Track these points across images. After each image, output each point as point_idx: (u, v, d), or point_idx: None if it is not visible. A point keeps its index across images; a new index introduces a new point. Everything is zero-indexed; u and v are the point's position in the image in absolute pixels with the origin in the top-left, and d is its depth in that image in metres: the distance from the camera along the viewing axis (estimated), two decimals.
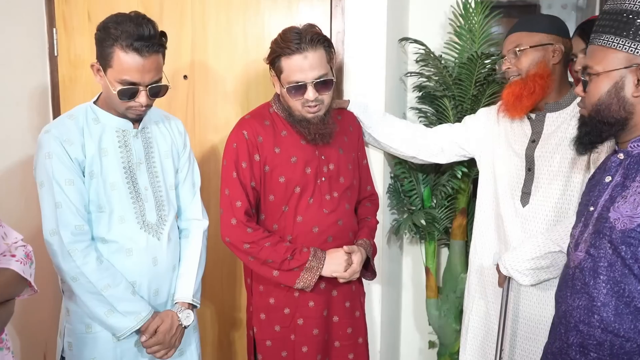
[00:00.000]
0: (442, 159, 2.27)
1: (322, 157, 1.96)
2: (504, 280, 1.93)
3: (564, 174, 1.88)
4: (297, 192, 1.92)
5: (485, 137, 2.13)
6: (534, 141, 1.97)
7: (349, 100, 2.21)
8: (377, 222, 2.17)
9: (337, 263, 1.90)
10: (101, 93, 1.77)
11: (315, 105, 1.85)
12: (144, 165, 1.78)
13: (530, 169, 1.96)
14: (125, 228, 1.72)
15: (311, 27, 1.84)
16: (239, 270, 2.54)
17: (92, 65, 1.69)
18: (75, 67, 2.47)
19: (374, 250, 2.09)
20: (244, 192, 1.88)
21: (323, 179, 1.95)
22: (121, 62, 1.61)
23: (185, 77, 2.42)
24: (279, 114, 1.95)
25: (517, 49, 1.92)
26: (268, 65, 1.91)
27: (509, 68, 1.96)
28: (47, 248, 1.67)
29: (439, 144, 2.24)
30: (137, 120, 1.76)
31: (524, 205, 1.96)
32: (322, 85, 1.84)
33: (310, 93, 1.82)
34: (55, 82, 2.50)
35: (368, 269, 2.07)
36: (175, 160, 1.88)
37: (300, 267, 1.87)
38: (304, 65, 1.79)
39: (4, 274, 1.36)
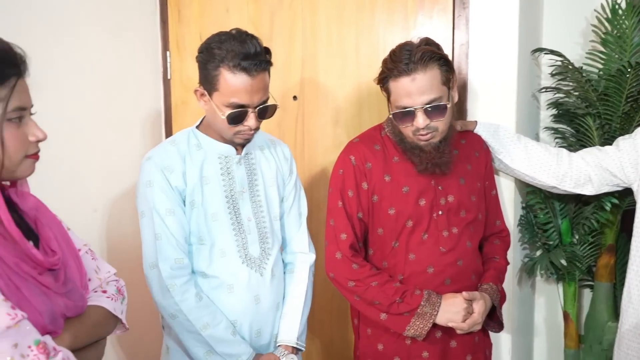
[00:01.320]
0: (590, 190, 1.92)
1: (439, 187, 1.72)
2: None
3: None
4: (409, 227, 1.69)
5: None
6: None
7: (476, 122, 1.94)
8: (508, 264, 1.87)
9: (454, 311, 1.64)
10: (203, 118, 1.67)
11: (427, 133, 1.62)
12: (247, 194, 1.65)
13: None
14: (227, 262, 1.60)
15: (425, 42, 1.61)
16: (347, 305, 2.35)
17: (195, 91, 1.59)
18: (187, 90, 2.44)
19: (502, 297, 1.79)
20: (349, 223, 1.70)
21: (440, 212, 1.71)
22: (229, 84, 1.49)
23: (294, 97, 2.30)
24: (391, 138, 1.74)
25: None
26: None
27: None
28: (147, 282, 1.58)
29: (586, 172, 1.89)
30: (241, 146, 1.64)
31: None
32: (434, 110, 1.59)
33: (420, 120, 1.59)
34: (168, 106, 2.49)
35: (494, 319, 1.78)
36: (280, 188, 1.74)
37: (411, 312, 1.64)
38: (411, 89, 1.57)
39: (95, 313, 1.27)
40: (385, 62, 1.65)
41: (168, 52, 2.44)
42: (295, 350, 1.69)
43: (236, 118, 1.52)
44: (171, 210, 1.55)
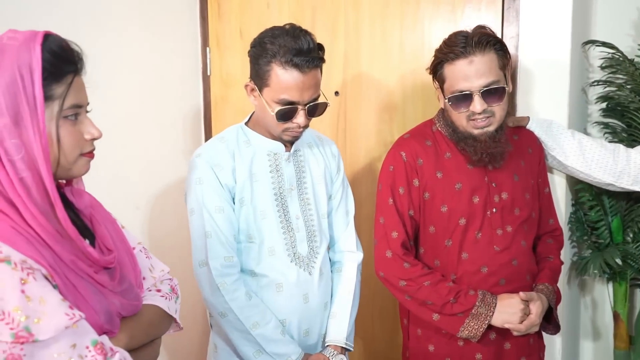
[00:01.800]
0: None
1: (493, 184, 1.67)
2: None
3: None
4: (462, 225, 1.65)
5: None
6: None
7: (528, 118, 1.88)
8: (562, 263, 1.82)
9: (511, 312, 1.59)
10: (252, 114, 1.65)
11: (484, 119, 1.57)
12: (295, 192, 1.62)
13: None
14: (276, 261, 1.58)
15: (481, 28, 1.58)
16: (392, 305, 2.31)
17: (246, 85, 1.57)
18: (227, 87, 2.43)
19: (557, 297, 1.74)
20: (400, 221, 1.66)
21: (494, 210, 1.66)
22: (280, 80, 1.47)
23: (336, 93, 2.27)
24: (443, 133, 1.70)
25: None
26: (431, 77, 1.67)
27: None
28: (196, 280, 1.56)
29: None
30: (290, 143, 1.61)
31: None
32: (491, 94, 1.55)
33: (477, 104, 1.55)
34: (208, 102, 2.47)
35: (550, 321, 1.72)
36: (328, 186, 1.71)
37: (465, 313, 1.59)
38: (469, 72, 1.54)
39: (150, 312, 1.26)
40: (439, 49, 1.62)
41: (208, 49, 2.43)
42: (344, 351, 1.66)
43: (285, 115, 1.50)
44: (221, 208, 1.53)
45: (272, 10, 2.30)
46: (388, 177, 1.69)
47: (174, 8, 2.31)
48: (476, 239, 1.65)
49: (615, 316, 2.20)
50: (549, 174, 2.03)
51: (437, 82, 1.65)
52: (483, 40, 1.53)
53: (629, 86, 2.12)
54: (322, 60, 1.52)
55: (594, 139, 1.91)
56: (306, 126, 1.55)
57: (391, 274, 1.65)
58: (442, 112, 1.71)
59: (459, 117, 1.60)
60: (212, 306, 1.55)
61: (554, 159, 1.89)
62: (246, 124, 1.65)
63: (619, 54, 2.07)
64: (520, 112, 2.02)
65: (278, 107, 1.49)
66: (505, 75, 1.60)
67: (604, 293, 2.35)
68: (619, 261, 1.97)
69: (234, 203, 1.56)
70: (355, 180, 2.29)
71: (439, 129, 1.70)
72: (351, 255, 1.74)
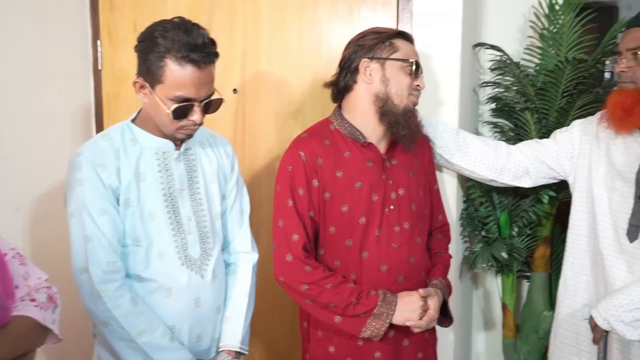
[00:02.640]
0: (527, 182, 1.95)
1: (390, 181, 1.69)
2: (601, 337, 1.59)
3: None
4: (363, 224, 1.65)
5: (581, 155, 1.81)
6: None
7: None
8: (451, 257, 1.88)
9: (411, 309, 1.61)
10: (140, 111, 1.57)
11: (418, 96, 1.71)
12: (186, 192, 1.57)
13: None
14: (165, 264, 1.51)
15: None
16: (292, 307, 2.30)
17: (134, 82, 1.48)
18: (120, 82, 2.31)
19: (449, 290, 1.80)
20: (301, 223, 1.62)
21: (392, 207, 1.68)
22: (175, 77, 1.40)
23: (235, 90, 2.22)
24: (341, 132, 1.69)
25: (639, 51, 1.58)
26: (351, 58, 1.67)
27: (623, 71, 1.63)
28: (77, 287, 1.47)
29: (524, 165, 1.93)
30: (181, 141, 1.55)
31: (631, 240, 1.64)
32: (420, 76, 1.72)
33: (422, 82, 1.69)
34: (99, 98, 2.35)
35: (444, 315, 1.77)
36: (222, 185, 1.66)
37: (367, 313, 1.60)
38: (416, 51, 1.71)
39: (19, 324, 1.17)
40: (377, 31, 1.68)
41: (99, 42, 2.30)
42: (238, 355, 1.62)
43: (182, 112, 1.44)
44: (103, 210, 1.45)
45: (167, 3, 2.22)
46: (287, 178, 1.64)
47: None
48: (376, 237, 1.66)
49: (504, 307, 2.31)
50: (442, 172, 2.10)
51: (376, 55, 1.64)
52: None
53: (515, 88, 2.23)
54: (217, 55, 1.48)
55: (479, 137, 2.00)
56: (201, 123, 1.50)
57: (292, 278, 1.61)
58: (339, 112, 1.71)
59: (406, 87, 1.65)
60: (93, 315, 1.46)
61: (441, 156, 1.96)
62: (133, 121, 1.57)
63: (505, 56, 2.18)
64: None
65: (174, 105, 1.42)
66: None
67: (494, 285, 2.47)
68: (504, 254, 2.07)
69: (118, 205, 1.48)
70: (254, 180, 2.26)
71: (337, 127, 1.70)
72: (246, 257, 1.70)
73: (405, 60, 1.64)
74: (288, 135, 2.19)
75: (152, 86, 1.44)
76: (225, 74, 2.21)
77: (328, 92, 1.75)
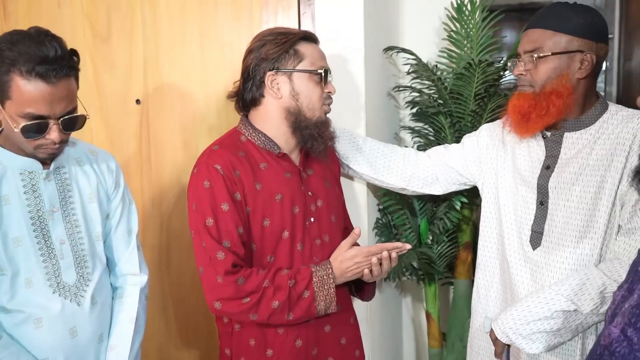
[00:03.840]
0: (438, 190, 1.89)
1: (309, 192, 1.61)
2: (502, 350, 1.53)
3: (586, 211, 1.50)
4: (286, 238, 1.56)
5: (488, 159, 1.76)
6: (548, 167, 1.60)
7: None
8: None
9: (348, 257, 1.54)
10: (2, 129, 1.46)
11: (330, 104, 1.64)
12: (59, 214, 1.45)
13: (542, 202, 1.59)
14: (33, 293, 1.39)
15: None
16: (207, 329, 2.20)
17: None
18: None
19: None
20: (226, 243, 1.50)
21: (312, 219, 1.60)
22: (22, 92, 1.28)
23: (137, 101, 2.11)
24: (254, 142, 1.59)
25: (535, 53, 1.52)
26: (254, 69, 1.56)
27: (521, 74, 1.57)
28: None
29: (433, 171, 1.87)
30: (49, 160, 1.44)
31: (534, 248, 1.59)
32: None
33: (332, 87, 1.62)
34: None
35: (367, 287, 1.72)
36: (103, 204, 1.55)
37: (309, 286, 1.51)
38: (323, 53, 1.63)
39: None
40: (278, 33, 1.57)
41: None
42: None
43: (33, 130, 1.32)
44: None
45: (63, 10, 2.10)
46: (205, 195, 1.49)
47: None
48: (299, 251, 1.58)
49: (427, 315, 2.26)
50: (351, 181, 2.03)
51: (281, 66, 1.54)
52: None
53: (430, 91, 2.18)
54: (74, 68, 1.35)
55: (386, 145, 1.93)
56: (64, 142, 1.39)
57: (230, 298, 1.47)
58: (247, 121, 1.61)
59: (318, 98, 1.57)
60: None
61: (349, 167, 1.89)
62: None
63: (417, 59, 2.12)
64: None
65: (24, 122, 1.31)
66: None
67: (420, 293, 2.42)
68: (415, 264, 2.00)
69: None
70: (162, 194, 2.15)
71: (249, 138, 1.59)
72: (133, 279, 1.59)
73: (313, 71, 1.55)
74: (195, 147, 2.10)
75: (2, 103, 1.32)
76: (127, 84, 2.10)
77: (233, 101, 1.66)
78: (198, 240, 1.50)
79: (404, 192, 1.96)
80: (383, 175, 1.88)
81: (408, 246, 1.56)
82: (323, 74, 1.57)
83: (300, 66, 1.55)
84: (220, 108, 2.07)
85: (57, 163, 1.46)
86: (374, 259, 1.53)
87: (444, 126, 2.12)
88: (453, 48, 2.17)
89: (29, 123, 1.31)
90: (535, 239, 1.59)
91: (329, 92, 1.59)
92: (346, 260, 1.54)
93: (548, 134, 1.61)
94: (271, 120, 1.58)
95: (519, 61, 1.59)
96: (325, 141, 1.59)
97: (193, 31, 2.05)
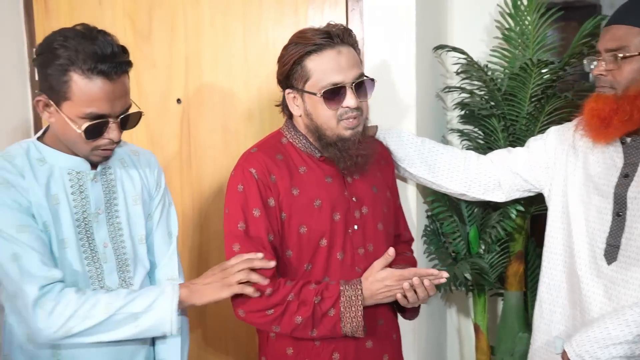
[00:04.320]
0: (500, 196, 1.76)
1: (353, 198, 1.51)
2: None
3: None
4: (324, 246, 1.47)
5: (557, 165, 1.63)
6: (626, 176, 1.46)
7: (376, 127, 1.75)
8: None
9: (379, 278, 1.42)
10: (47, 128, 1.41)
11: (355, 118, 1.44)
12: (103, 216, 1.40)
13: (619, 213, 1.45)
14: None
15: (333, 23, 1.46)
16: (246, 337, 2.13)
17: (37, 101, 1.30)
18: None
19: None
20: (256, 248, 1.42)
21: (355, 227, 1.50)
22: (83, 92, 1.23)
23: (178, 100, 2.06)
24: (296, 145, 1.51)
25: (620, 53, 1.39)
26: (280, 84, 1.51)
27: (602, 75, 1.44)
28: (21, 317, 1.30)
29: (495, 177, 1.74)
30: (102, 162, 1.39)
31: (609, 262, 1.46)
32: (361, 88, 1.45)
33: (351, 99, 1.41)
34: (38, 112, 2.18)
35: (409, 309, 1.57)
36: (147, 205, 1.50)
37: (336, 305, 1.41)
38: (340, 62, 1.41)
39: None
40: (293, 43, 1.44)
41: (35, 50, 2.14)
42: None
43: (95, 131, 1.27)
44: (24, 226, 1.27)
45: (104, 7, 2.06)
46: (238, 198, 1.44)
47: None
48: (338, 261, 1.48)
49: (476, 328, 2.15)
50: (405, 183, 1.94)
51: (292, 87, 1.46)
52: (346, 33, 1.44)
53: (481, 92, 2.08)
54: (130, 64, 1.31)
55: (446, 146, 1.82)
56: (119, 141, 1.33)
57: (253, 308, 1.42)
58: (292, 124, 1.54)
59: (329, 118, 1.43)
60: (52, 338, 1.27)
61: (405, 170, 1.78)
62: (39, 139, 1.40)
63: (469, 59, 2.02)
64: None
65: (86, 123, 1.26)
66: None
67: (466, 303, 2.31)
68: (468, 276, 1.90)
69: (37, 223, 1.31)
70: (202, 195, 2.10)
71: (290, 140, 1.52)
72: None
73: (314, 94, 1.42)
74: (236, 148, 2.03)
75: (58, 104, 1.27)
76: (168, 83, 2.05)
77: (277, 100, 1.59)
78: (229, 244, 1.46)
79: (462, 198, 1.85)
80: (442, 179, 1.77)
81: (445, 275, 1.42)
82: (328, 94, 1.41)
83: (307, 86, 1.44)
84: (263, 108, 2.00)
85: (104, 163, 1.41)
86: (406, 285, 1.41)
87: (496, 129, 2.01)
88: (506, 47, 2.06)
89: (91, 123, 1.26)
90: (611, 252, 1.46)
91: (347, 106, 1.43)
92: (377, 281, 1.43)
93: (628, 139, 1.47)
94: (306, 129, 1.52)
95: (599, 60, 1.45)
96: (350, 159, 1.46)
97: (236, 29, 1.98)
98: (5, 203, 1.28)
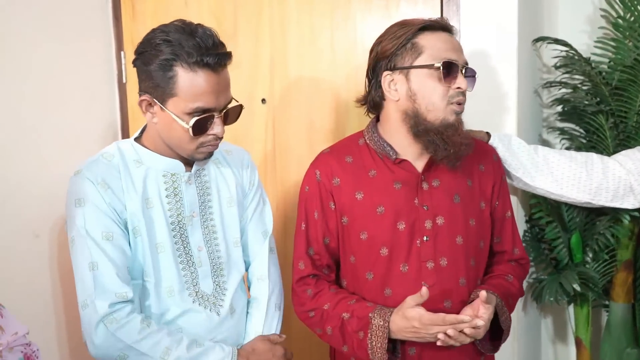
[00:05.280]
0: (632, 202, 1.62)
1: (425, 207, 1.38)
2: None
3: None
4: (385, 255, 1.38)
5: None
6: None
7: (487, 133, 1.62)
8: (522, 295, 1.51)
9: (408, 317, 1.28)
10: (144, 129, 1.39)
11: (461, 103, 1.37)
12: (197, 219, 1.36)
13: None
14: (175, 302, 1.32)
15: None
16: None
17: (140, 102, 1.29)
18: None
19: (508, 313, 1.42)
20: (309, 251, 1.44)
21: (425, 238, 1.38)
22: (190, 86, 1.21)
23: (263, 100, 2.02)
24: (371, 147, 1.43)
25: None
26: (371, 74, 1.41)
27: None
28: (82, 327, 1.29)
29: (626, 181, 1.59)
30: (199, 161, 1.35)
31: None
32: (469, 75, 1.38)
33: (463, 81, 1.33)
34: (125, 113, 2.20)
35: (495, 335, 1.41)
36: (241, 206, 1.46)
37: (364, 327, 1.33)
38: (453, 43, 1.36)
39: None
40: (397, 26, 1.37)
41: (123, 52, 2.16)
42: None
43: (202, 126, 1.25)
44: (109, 234, 1.27)
45: (190, 7, 2.05)
46: (303, 199, 1.46)
47: (82, 7, 2.04)
48: (401, 273, 1.38)
49: (578, 342, 1.99)
50: None
51: (397, 64, 1.34)
52: (449, 24, 1.39)
53: (585, 87, 1.92)
54: (230, 56, 1.27)
55: (561, 152, 1.68)
56: (222, 137, 1.30)
57: (299, 308, 1.46)
58: (375, 124, 1.45)
59: (440, 97, 1.33)
60: (105, 355, 1.27)
61: (519, 180, 1.65)
62: (136, 139, 1.38)
63: (572, 51, 1.87)
64: (465, 118, 1.78)
65: (193, 118, 1.23)
66: None
67: (567, 315, 2.15)
68: (576, 287, 1.75)
69: (126, 230, 1.30)
70: (286, 198, 2.05)
71: (367, 141, 1.44)
72: (261, 286, 1.48)
73: (430, 66, 1.32)
74: (322, 149, 1.97)
75: (163, 102, 1.24)
76: (253, 82, 2.01)
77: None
78: (295, 241, 1.48)
79: (587, 206, 1.70)
80: (564, 189, 1.63)
81: (480, 323, 1.26)
82: (445, 68, 1.31)
83: (418, 61, 1.33)
84: (350, 107, 1.93)
85: (198, 164, 1.38)
86: (441, 336, 1.26)
87: (603, 127, 1.85)
88: (613, 37, 1.89)
89: (199, 118, 1.23)
90: None
91: (458, 87, 1.33)
92: (405, 319, 1.30)
93: None
94: (392, 123, 1.40)
95: None
96: (451, 148, 1.33)
97: (323, 25, 1.92)
98: (99, 206, 1.27)
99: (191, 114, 1.23)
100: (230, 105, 1.29)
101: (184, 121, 1.24)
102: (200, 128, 1.25)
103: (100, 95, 2.16)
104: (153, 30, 1.26)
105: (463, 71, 1.34)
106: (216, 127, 1.27)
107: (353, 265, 1.43)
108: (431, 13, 1.80)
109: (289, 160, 2.03)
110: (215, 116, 1.26)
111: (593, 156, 1.65)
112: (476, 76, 1.41)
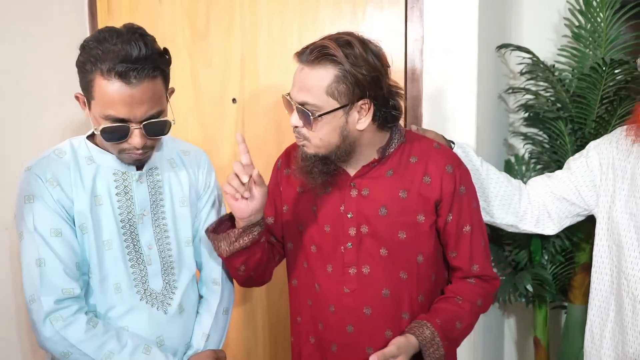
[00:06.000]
0: (551, 228, 1.64)
1: (349, 214, 1.38)
2: None
3: None
4: (314, 252, 1.45)
5: (603, 181, 1.53)
6: None
7: (451, 142, 1.63)
8: (478, 311, 1.42)
9: None
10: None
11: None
12: (148, 218, 1.39)
13: None
14: (122, 299, 1.34)
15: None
16: None
17: (77, 97, 1.32)
18: None
19: (441, 343, 1.33)
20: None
21: (349, 245, 1.39)
22: (103, 93, 1.21)
23: (234, 100, 2.05)
24: None
25: None
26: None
27: None
28: (30, 319, 1.32)
29: (544, 205, 1.63)
30: (135, 165, 1.38)
31: None
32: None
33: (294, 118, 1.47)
34: None
35: None
36: (194, 207, 1.48)
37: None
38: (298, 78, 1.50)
39: None
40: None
41: None
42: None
43: (113, 134, 1.26)
44: (57, 230, 1.29)
45: (164, 6, 2.08)
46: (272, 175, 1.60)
47: (58, 2, 2.06)
48: (327, 272, 1.42)
49: (536, 342, 2.05)
50: None
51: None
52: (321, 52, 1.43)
53: (547, 94, 1.97)
54: (159, 69, 1.25)
55: (502, 172, 1.70)
56: (148, 147, 1.30)
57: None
58: None
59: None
60: (51, 350, 1.30)
61: None
62: (89, 137, 1.40)
63: (535, 58, 1.92)
64: (426, 122, 1.83)
65: (102, 125, 1.25)
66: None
67: (525, 316, 2.20)
68: (529, 287, 1.80)
69: (74, 226, 1.32)
70: None
71: None
72: (213, 290, 1.49)
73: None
74: None
75: (88, 102, 1.27)
76: (224, 83, 2.05)
77: None
78: None
79: (509, 230, 1.70)
80: (496, 208, 1.65)
81: None
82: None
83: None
84: None
85: (151, 164, 1.41)
86: None
87: (563, 133, 1.90)
88: (575, 45, 1.95)
89: (108, 125, 1.24)
90: None
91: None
92: None
93: None
94: None
95: None
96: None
97: (292, 27, 1.96)
98: (47, 202, 1.29)
99: (105, 119, 1.24)
100: (156, 120, 1.27)
101: (98, 125, 1.26)
102: (111, 136, 1.26)
103: (75, 90, 2.18)
104: (96, 31, 1.27)
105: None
106: (134, 138, 1.26)
107: (291, 251, 1.51)
108: (396, 18, 1.83)
109: (259, 159, 2.06)
110: (131, 127, 1.25)
111: (529, 182, 1.68)
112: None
